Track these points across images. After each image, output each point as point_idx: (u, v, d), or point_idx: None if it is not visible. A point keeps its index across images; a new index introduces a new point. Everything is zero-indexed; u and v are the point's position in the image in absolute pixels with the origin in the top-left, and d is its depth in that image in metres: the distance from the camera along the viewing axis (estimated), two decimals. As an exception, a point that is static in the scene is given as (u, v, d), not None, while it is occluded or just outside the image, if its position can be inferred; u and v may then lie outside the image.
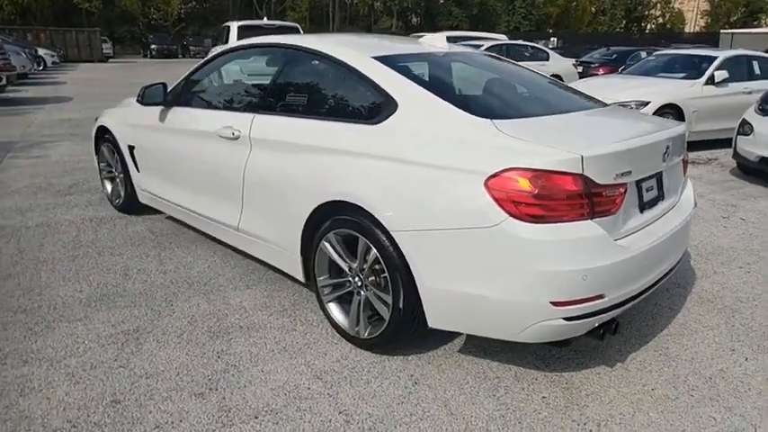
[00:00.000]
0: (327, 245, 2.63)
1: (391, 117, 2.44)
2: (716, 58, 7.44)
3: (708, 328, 2.95)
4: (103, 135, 4.51)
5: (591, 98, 3.02)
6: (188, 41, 41.45)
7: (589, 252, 2.07)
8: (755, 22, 44.56)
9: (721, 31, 36.70)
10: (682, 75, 7.63)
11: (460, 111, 2.33)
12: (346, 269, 2.62)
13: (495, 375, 2.48)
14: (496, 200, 2.06)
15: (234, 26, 10.84)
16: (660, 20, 45.15)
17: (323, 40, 3.01)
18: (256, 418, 2.17)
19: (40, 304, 3.04)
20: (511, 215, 2.04)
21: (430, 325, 2.36)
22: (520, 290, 2.08)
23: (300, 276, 2.89)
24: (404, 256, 2.29)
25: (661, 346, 2.76)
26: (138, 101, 3.81)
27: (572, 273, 2.04)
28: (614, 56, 15.09)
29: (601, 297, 2.13)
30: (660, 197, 2.56)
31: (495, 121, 2.26)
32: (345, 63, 2.73)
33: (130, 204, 4.43)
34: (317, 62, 2.97)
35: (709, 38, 35.78)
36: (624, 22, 46.10)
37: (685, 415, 2.25)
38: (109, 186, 4.69)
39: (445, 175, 2.18)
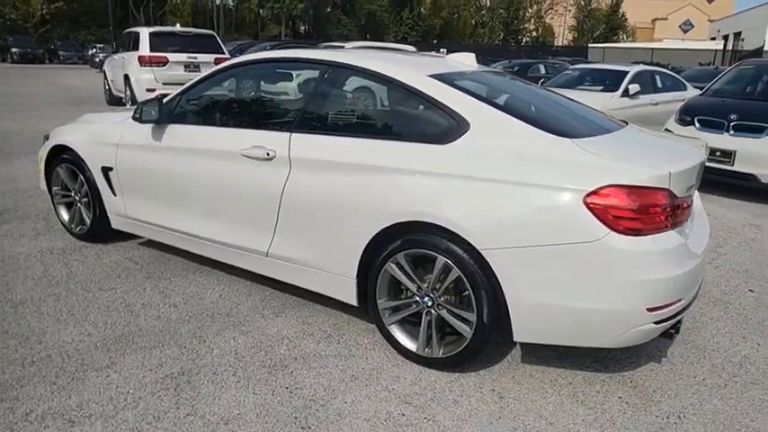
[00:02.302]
0: (394, 266, 2.57)
1: (464, 136, 2.45)
2: (628, 72, 8.25)
3: (714, 320, 3.28)
4: (59, 155, 4.02)
5: (606, 116, 3.23)
6: (56, 45, 37.82)
7: (676, 260, 2.23)
8: (615, 37, 49.91)
9: (590, 45, 40.64)
10: (600, 88, 8.35)
11: (538, 130, 2.40)
12: (414, 289, 2.58)
13: (568, 381, 2.57)
14: (597, 216, 2.15)
15: (144, 33, 10.12)
16: (534, 33, 49.03)
17: (367, 58, 2.91)
18: (369, 453, 2.07)
19: (48, 353, 2.65)
20: (612, 229, 2.14)
21: (516, 339, 2.40)
22: (620, 299, 2.19)
23: (353, 301, 2.79)
24: (493, 273, 2.31)
25: (688, 339, 3.02)
26: (135, 118, 3.44)
27: (666, 280, 2.19)
28: (516, 68, 16.11)
29: (680, 300, 2.30)
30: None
31: (574, 140, 2.35)
32: (402, 82, 2.68)
33: (97, 232, 4.00)
34: (364, 80, 2.88)
35: (578, 51, 39.40)
36: (502, 34, 49.44)
37: (740, 400, 2.49)
38: (65, 213, 4.19)
39: (537, 192, 2.24)
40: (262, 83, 3.65)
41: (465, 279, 2.38)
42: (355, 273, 2.71)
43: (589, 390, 2.51)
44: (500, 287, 2.32)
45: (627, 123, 3.09)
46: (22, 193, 5.31)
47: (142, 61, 9.95)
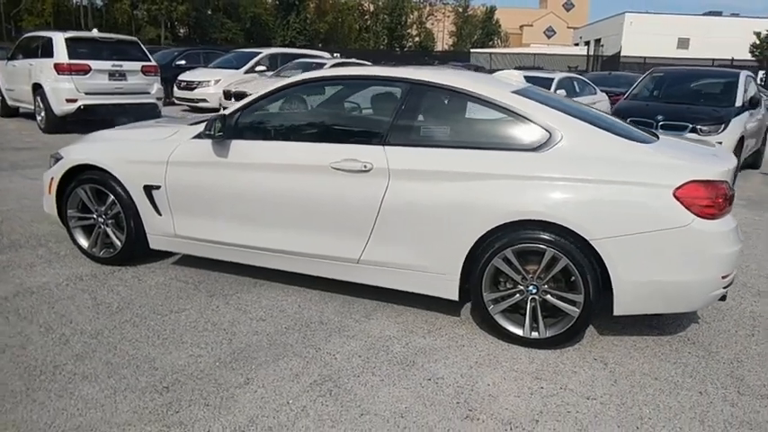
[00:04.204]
0: (502, 261, 2.89)
1: (558, 144, 2.83)
2: (554, 78, 9.18)
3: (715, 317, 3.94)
4: (77, 175, 3.82)
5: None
6: None
7: (736, 237, 2.79)
8: (491, 42, 53.50)
9: (471, 50, 43.22)
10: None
11: (618, 137, 2.86)
12: (519, 280, 2.91)
13: (643, 345, 3.04)
14: (685, 205, 2.64)
15: (59, 38, 9.33)
16: (417, 38, 51.11)
17: (448, 76, 3.18)
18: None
19: (174, 377, 2.63)
20: (697, 215, 2.64)
21: (615, 313, 2.82)
22: (704, 269, 2.70)
23: (455, 296, 3.06)
24: (601, 259, 2.71)
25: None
26: (206, 134, 3.37)
27: (734, 252, 2.75)
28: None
29: (734, 270, 2.86)
30: None
31: (646, 145, 2.84)
32: (490, 98, 3.00)
33: (129, 254, 3.86)
34: (451, 97, 3.14)
35: (460, 55, 41.76)
36: (386, 39, 50.91)
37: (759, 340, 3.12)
38: (83, 238, 3.97)
39: (634, 188, 2.68)
40: (335, 99, 3.77)
41: (573, 266, 2.76)
42: (459, 270, 2.98)
43: (662, 349, 3.01)
44: (606, 270, 2.73)
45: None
46: (-7, 220, 4.86)
47: (59, 69, 9.19)
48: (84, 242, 3.97)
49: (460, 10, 51.39)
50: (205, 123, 3.45)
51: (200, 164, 3.46)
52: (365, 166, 3.05)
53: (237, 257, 3.54)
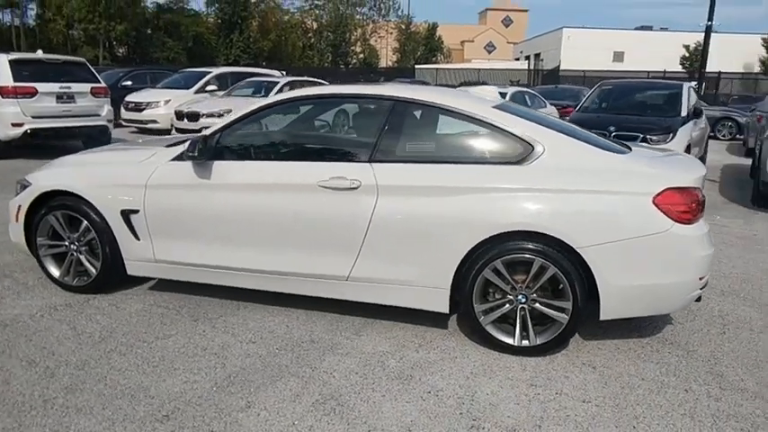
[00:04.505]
0: (492, 272, 2.98)
1: (541, 157, 2.96)
2: (507, 93, 9.51)
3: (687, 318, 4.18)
4: (47, 202, 3.69)
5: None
6: None
7: (709, 240, 2.99)
8: (434, 58, 54.65)
9: (416, 66, 44.04)
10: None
11: (597, 149, 3.02)
12: (508, 290, 3.01)
13: (629, 347, 3.20)
14: (664, 211, 2.81)
15: (3, 60, 8.89)
16: (362, 55, 51.57)
17: (430, 92, 3.28)
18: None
19: (173, 405, 2.57)
20: (675, 221, 2.82)
21: (602, 318, 2.96)
22: (683, 272, 2.88)
23: (446, 309, 3.12)
24: (587, 266, 2.85)
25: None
26: (189, 155, 3.30)
27: (708, 255, 2.94)
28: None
29: (708, 273, 3.06)
30: None
31: (622, 155, 3.01)
32: (472, 113, 3.11)
33: (105, 281, 3.74)
34: (432, 113, 3.22)
35: (405, 71, 42.46)
36: (331, 57, 51.13)
37: (733, 335, 3.34)
38: (54, 267, 3.81)
39: (616, 197, 2.84)
40: (318, 117, 3.78)
41: (561, 274, 2.88)
42: (450, 283, 3.05)
43: (644, 350, 3.17)
44: (593, 277, 2.87)
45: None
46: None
47: (4, 93, 8.77)
48: (55, 271, 3.81)
49: (403, 27, 52.31)
50: (186, 145, 3.41)
51: (181, 186, 3.41)
52: (353, 184, 3.09)
53: (223, 280, 3.49)
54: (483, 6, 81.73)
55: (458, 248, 2.98)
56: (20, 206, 3.77)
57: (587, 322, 3.20)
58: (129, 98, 13.51)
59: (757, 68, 39.22)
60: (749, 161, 10.28)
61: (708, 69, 21.38)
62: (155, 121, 13.12)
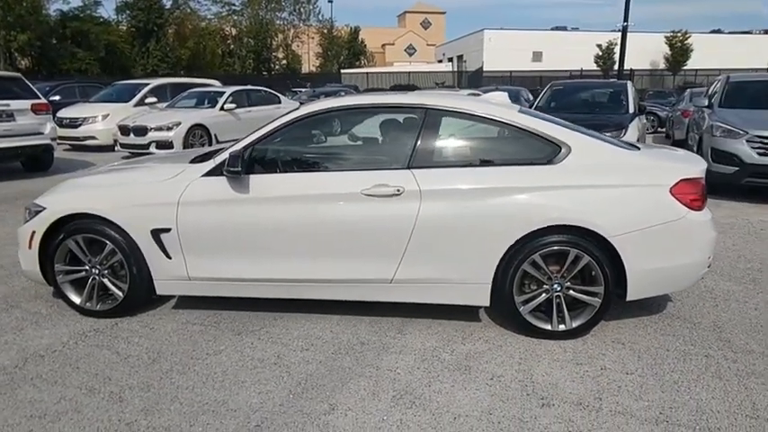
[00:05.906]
0: (530, 265, 3.25)
1: (569, 157, 3.27)
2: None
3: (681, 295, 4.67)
4: (64, 226, 3.59)
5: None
6: None
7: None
8: (358, 62, 55.00)
9: (342, 70, 44.19)
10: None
11: (615, 146, 3.39)
12: (545, 280, 3.30)
13: (645, 324, 3.57)
14: (679, 200, 3.20)
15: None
16: (284, 61, 50.97)
17: (459, 100, 3.51)
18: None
19: (260, 417, 2.64)
20: (689, 208, 3.21)
21: (628, 298, 3.30)
22: (697, 253, 3.29)
23: (487, 302, 3.36)
24: (617, 253, 3.18)
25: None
26: (231, 170, 3.32)
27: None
28: (323, 96, 17.21)
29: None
30: None
31: (636, 152, 3.39)
32: (502, 119, 3.38)
33: (133, 303, 3.69)
34: (467, 120, 3.44)
35: (329, 76, 42.56)
36: (253, 63, 50.21)
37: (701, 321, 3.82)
38: (74, 293, 3.71)
39: (639, 190, 3.21)
40: (354, 127, 3.89)
41: (594, 262, 3.20)
42: (491, 278, 3.30)
43: (659, 325, 3.57)
44: (621, 262, 3.21)
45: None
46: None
47: (-65, 115, 8.15)
48: (76, 298, 3.71)
49: (325, 31, 52.30)
50: (217, 160, 3.45)
51: (218, 201, 3.43)
52: (398, 191, 3.26)
53: (266, 292, 3.56)
54: (402, 9, 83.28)
55: (499, 245, 3.23)
56: (33, 232, 3.63)
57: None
58: (61, 114, 12.74)
59: (662, 65, 42.47)
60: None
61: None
62: (93, 138, 12.51)
